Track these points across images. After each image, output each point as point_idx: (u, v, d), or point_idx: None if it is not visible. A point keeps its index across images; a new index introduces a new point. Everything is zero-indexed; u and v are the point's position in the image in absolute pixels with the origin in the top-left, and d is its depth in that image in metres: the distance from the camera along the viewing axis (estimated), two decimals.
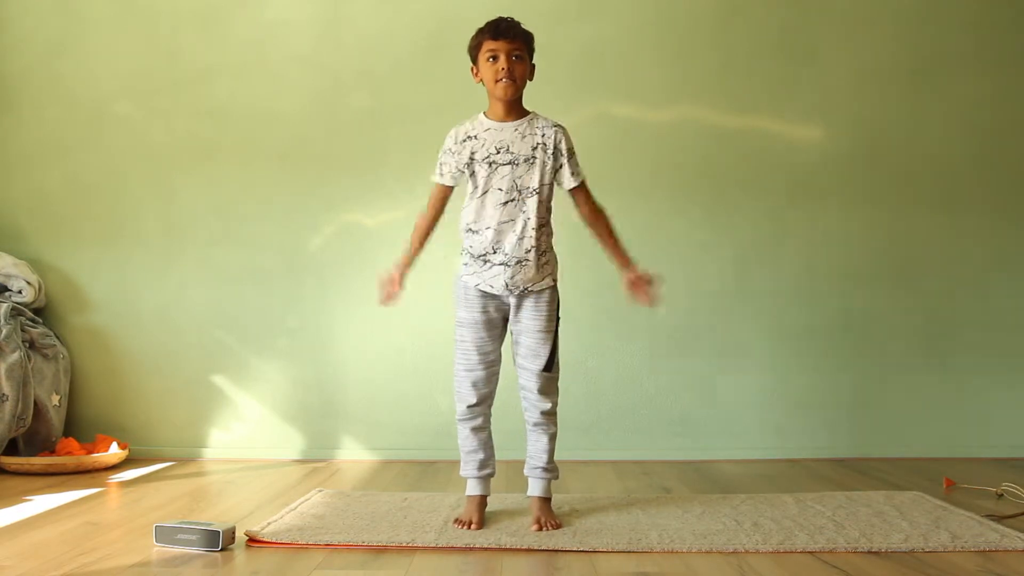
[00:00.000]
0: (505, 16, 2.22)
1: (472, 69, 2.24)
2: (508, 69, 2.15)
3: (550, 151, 2.21)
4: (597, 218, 2.29)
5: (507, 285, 2.20)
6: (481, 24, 2.24)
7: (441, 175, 2.28)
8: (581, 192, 2.27)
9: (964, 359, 3.33)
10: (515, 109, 2.23)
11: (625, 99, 3.35)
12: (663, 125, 3.35)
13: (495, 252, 2.19)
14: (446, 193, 2.30)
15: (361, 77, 3.37)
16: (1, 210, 3.41)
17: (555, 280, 2.27)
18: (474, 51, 2.22)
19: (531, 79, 2.25)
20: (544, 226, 2.23)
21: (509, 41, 2.16)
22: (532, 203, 2.19)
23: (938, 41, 3.39)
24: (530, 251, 2.19)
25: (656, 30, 3.37)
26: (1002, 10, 3.40)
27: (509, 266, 2.19)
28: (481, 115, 2.26)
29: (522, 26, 2.22)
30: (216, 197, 3.37)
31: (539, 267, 2.22)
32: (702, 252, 3.33)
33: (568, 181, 2.24)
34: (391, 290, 2.29)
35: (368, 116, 3.36)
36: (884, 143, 3.37)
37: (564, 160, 2.23)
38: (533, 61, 2.25)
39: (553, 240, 2.29)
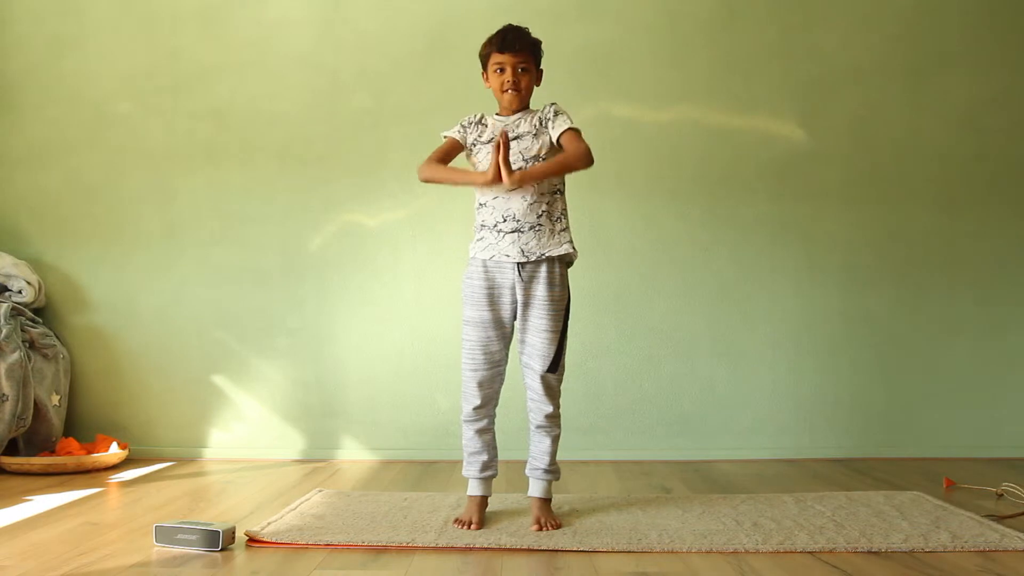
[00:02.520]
0: (514, 26, 2.27)
1: (482, 75, 2.32)
2: (514, 81, 2.24)
3: (544, 121, 2.26)
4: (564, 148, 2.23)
5: (523, 251, 2.20)
6: (481, 25, 2.28)
7: (455, 131, 2.31)
8: (566, 137, 2.22)
9: (964, 359, 3.34)
10: (520, 110, 2.31)
11: (624, 99, 3.36)
12: (663, 125, 3.35)
13: (505, 220, 2.21)
14: (456, 147, 2.30)
15: (361, 77, 3.37)
16: (1, 210, 3.41)
17: (574, 248, 2.26)
18: (484, 60, 2.30)
19: (538, 85, 2.32)
20: (555, 193, 2.26)
21: (515, 54, 2.23)
22: None
23: (938, 41, 3.39)
24: (541, 216, 2.21)
25: (656, 30, 3.37)
26: (1002, 10, 3.40)
27: (522, 232, 2.21)
28: (493, 114, 2.34)
29: (529, 35, 2.27)
30: (216, 197, 3.37)
31: (555, 233, 2.23)
32: (701, 252, 3.33)
33: (556, 130, 2.23)
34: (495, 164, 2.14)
35: (368, 116, 3.36)
36: (883, 143, 3.37)
37: (550, 118, 2.25)
38: (541, 67, 2.31)
39: (568, 215, 2.29)
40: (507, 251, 2.21)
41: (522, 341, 2.26)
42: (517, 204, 2.21)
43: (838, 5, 3.38)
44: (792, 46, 3.38)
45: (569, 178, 2.32)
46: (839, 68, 3.37)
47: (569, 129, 2.23)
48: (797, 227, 3.35)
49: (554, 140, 2.24)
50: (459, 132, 2.32)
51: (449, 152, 2.31)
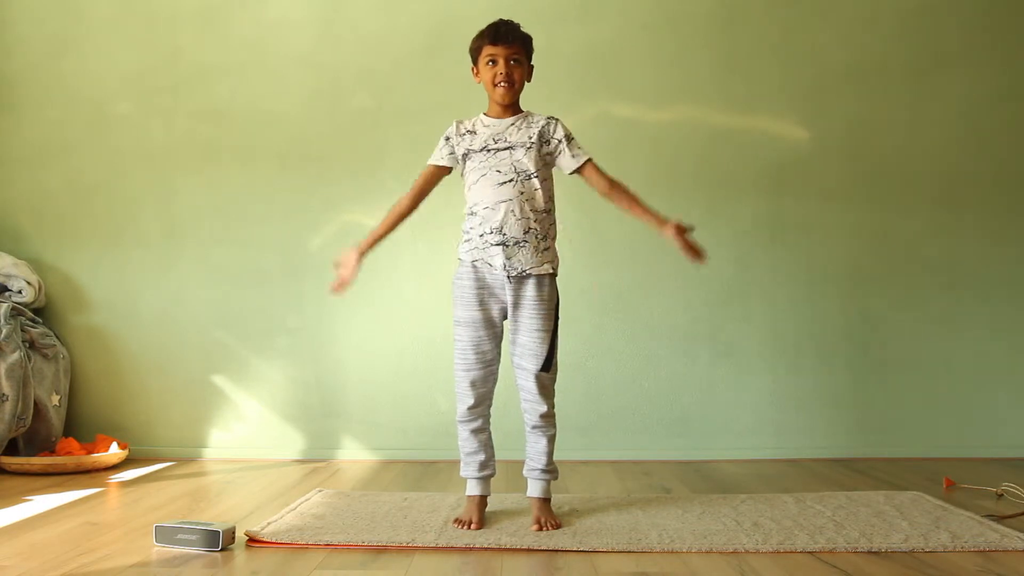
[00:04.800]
0: (505, 19, 2.26)
1: (472, 69, 2.31)
2: (507, 74, 2.22)
3: (544, 139, 2.25)
4: (613, 188, 2.28)
5: (504, 265, 2.20)
6: (481, 24, 2.28)
7: (441, 157, 2.32)
8: (588, 170, 2.27)
9: (964, 359, 3.33)
10: (512, 108, 2.29)
11: (625, 99, 3.36)
12: (662, 125, 3.35)
13: (492, 232, 2.21)
14: (437, 174, 2.33)
15: (361, 77, 3.37)
16: (1, 210, 3.41)
17: (555, 269, 2.26)
18: (475, 53, 2.28)
19: (529, 80, 2.30)
20: (545, 212, 2.25)
21: (507, 46, 2.22)
22: (531, 186, 2.22)
23: (938, 41, 3.39)
24: (528, 232, 2.21)
25: (655, 30, 3.37)
26: (1002, 10, 3.40)
27: (508, 246, 2.20)
28: (481, 115, 2.32)
29: (521, 29, 2.26)
30: (216, 197, 3.37)
31: (538, 252, 2.23)
32: None
33: (569, 164, 2.26)
34: (344, 274, 2.25)
35: (368, 116, 3.36)
36: (884, 143, 3.37)
37: (562, 146, 2.26)
38: (532, 63, 2.30)
39: (556, 233, 2.29)
40: (491, 261, 2.22)
41: (513, 342, 2.26)
42: (508, 219, 2.20)
43: (838, 5, 3.38)
44: (792, 46, 3.38)
45: (568, 177, 2.32)
46: (839, 68, 3.37)
47: (589, 161, 2.26)
48: (797, 227, 3.35)
49: (568, 172, 2.25)
50: (446, 153, 2.30)
51: (430, 179, 2.32)
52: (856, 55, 3.38)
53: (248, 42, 3.40)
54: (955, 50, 3.38)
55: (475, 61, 2.28)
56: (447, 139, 2.32)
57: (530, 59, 2.28)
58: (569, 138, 2.27)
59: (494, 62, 2.22)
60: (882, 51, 3.38)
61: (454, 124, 2.32)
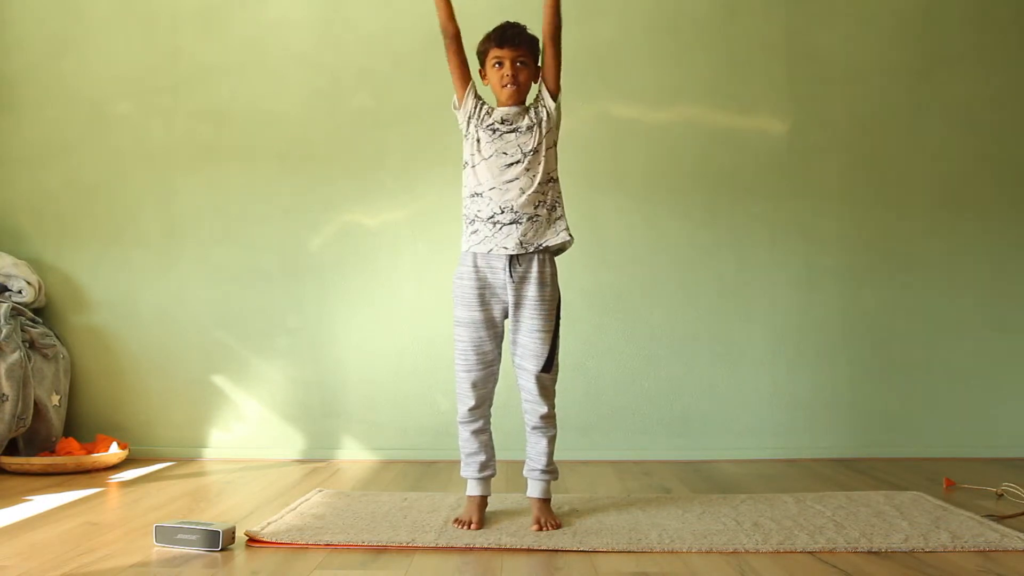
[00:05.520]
0: (512, 22, 2.27)
1: (480, 71, 2.32)
2: (512, 76, 2.24)
3: (537, 111, 2.26)
4: (551, 26, 2.24)
5: (521, 243, 2.20)
6: (481, 24, 2.29)
7: (471, 82, 2.29)
8: (546, 67, 2.26)
9: (964, 359, 3.33)
10: (518, 105, 2.30)
11: (625, 99, 3.36)
12: (662, 125, 3.35)
13: (503, 212, 2.21)
14: (464, 73, 2.29)
15: (361, 77, 3.37)
16: (1, 210, 3.41)
17: (571, 235, 2.25)
18: (482, 55, 2.30)
19: (535, 81, 2.31)
20: (551, 181, 2.26)
21: (514, 48, 2.24)
22: (536, 162, 2.23)
23: (938, 40, 3.39)
24: (539, 206, 2.22)
25: (656, 30, 3.37)
26: (1002, 10, 3.40)
27: (520, 223, 2.20)
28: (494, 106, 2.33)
29: (528, 31, 2.28)
30: (216, 197, 3.37)
31: (551, 221, 2.24)
32: (701, 252, 3.33)
33: (546, 96, 2.26)
34: None
35: (368, 116, 3.36)
36: (883, 142, 3.37)
37: (541, 101, 2.27)
38: (539, 64, 2.30)
39: (563, 202, 2.28)
40: (504, 243, 2.21)
41: (514, 342, 2.26)
42: (516, 197, 2.20)
43: (838, 5, 3.38)
44: (792, 46, 3.38)
45: (568, 177, 2.32)
46: (839, 68, 3.37)
47: (538, 70, 2.27)
48: (797, 227, 3.34)
49: (553, 89, 2.24)
50: (475, 91, 2.29)
51: (460, 54, 2.28)
52: (856, 55, 3.38)
53: (248, 42, 3.40)
54: (955, 50, 3.39)
55: (482, 63, 2.30)
56: (480, 99, 2.28)
57: (537, 60, 2.29)
58: (538, 94, 2.28)
59: (500, 64, 2.24)
60: (882, 51, 3.38)
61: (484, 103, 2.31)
